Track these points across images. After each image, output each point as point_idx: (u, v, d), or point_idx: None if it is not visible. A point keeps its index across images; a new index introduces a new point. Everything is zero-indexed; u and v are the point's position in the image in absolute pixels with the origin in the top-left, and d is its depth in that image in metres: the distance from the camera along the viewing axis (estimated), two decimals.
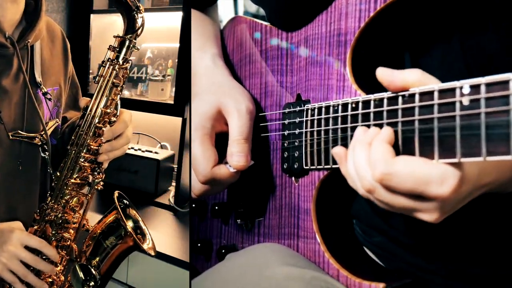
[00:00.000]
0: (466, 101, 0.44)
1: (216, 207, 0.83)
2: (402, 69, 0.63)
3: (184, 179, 1.69)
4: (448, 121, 0.46)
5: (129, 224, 0.90)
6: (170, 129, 1.96)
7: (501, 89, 0.41)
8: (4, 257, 0.80)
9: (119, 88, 0.84)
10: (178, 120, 1.73)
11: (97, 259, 0.89)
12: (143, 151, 1.81)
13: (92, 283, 0.88)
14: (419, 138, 0.50)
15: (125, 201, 0.93)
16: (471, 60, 0.61)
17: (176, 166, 1.76)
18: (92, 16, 1.96)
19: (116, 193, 0.91)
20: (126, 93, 1.93)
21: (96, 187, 0.87)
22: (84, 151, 0.85)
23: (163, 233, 1.52)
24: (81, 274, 0.86)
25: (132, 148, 1.84)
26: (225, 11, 1.80)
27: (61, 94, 1.00)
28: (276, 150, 0.75)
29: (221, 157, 0.74)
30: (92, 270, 0.88)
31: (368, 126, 0.56)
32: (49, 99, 0.93)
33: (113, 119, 0.85)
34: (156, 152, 1.81)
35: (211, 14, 0.93)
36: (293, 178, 0.72)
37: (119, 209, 0.88)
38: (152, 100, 1.84)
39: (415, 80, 0.51)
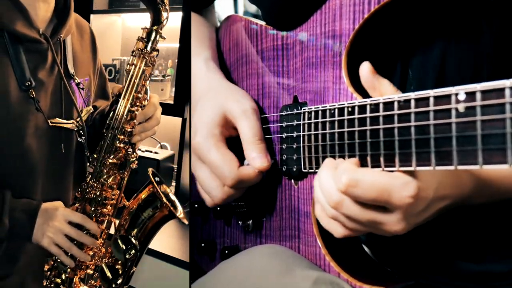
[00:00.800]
0: (461, 108, 0.44)
1: (218, 208, 0.83)
2: (393, 71, 0.64)
3: (184, 179, 1.69)
4: (444, 128, 0.46)
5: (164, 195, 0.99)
6: (170, 129, 1.96)
7: (497, 96, 0.41)
8: (50, 232, 0.87)
9: (147, 75, 0.92)
10: (178, 120, 1.73)
11: (136, 230, 0.96)
12: (143, 151, 1.81)
13: (133, 251, 0.95)
14: (416, 144, 0.50)
15: (157, 178, 1.00)
16: (464, 62, 0.62)
17: (176, 166, 1.76)
18: (92, 16, 1.96)
19: (150, 170, 0.99)
20: None
21: (131, 165, 0.96)
22: (120, 133, 0.92)
23: (163, 233, 1.51)
24: (122, 245, 0.94)
25: None
26: (225, 11, 1.80)
27: (91, 84, 1.08)
28: (274, 152, 0.75)
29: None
30: (132, 239, 0.95)
31: (365, 131, 0.56)
32: (82, 89, 1.01)
33: (144, 102, 0.93)
34: (156, 152, 1.81)
35: (207, 16, 0.93)
36: (292, 181, 0.72)
37: (155, 183, 0.95)
38: None
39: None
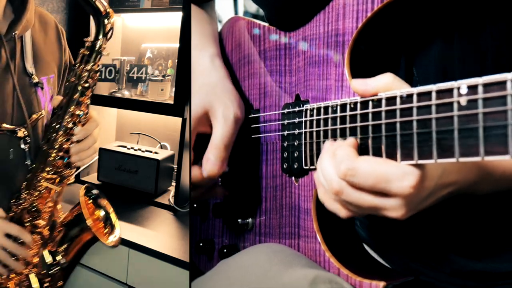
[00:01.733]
0: (463, 101, 0.45)
1: (217, 207, 0.84)
2: (398, 69, 0.64)
3: (184, 179, 1.69)
4: (446, 122, 0.47)
5: (100, 214, 1.00)
6: (170, 129, 1.97)
7: (499, 89, 0.42)
8: None
9: (89, 91, 0.88)
10: (178, 120, 1.73)
11: (64, 246, 0.98)
12: (143, 151, 1.81)
13: (57, 268, 0.96)
14: (417, 138, 0.50)
15: (94, 191, 1.00)
16: (468, 60, 0.62)
17: (176, 166, 1.76)
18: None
19: (83, 187, 0.99)
20: (126, 93, 1.94)
21: (65, 181, 0.94)
22: (55, 149, 0.89)
23: (163, 233, 1.53)
24: (48, 259, 0.95)
25: (132, 148, 1.84)
26: (225, 11, 1.81)
27: (55, 83, 1.03)
28: (276, 150, 0.75)
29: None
30: (58, 256, 0.96)
31: (367, 126, 0.56)
32: (42, 88, 0.96)
33: (83, 119, 0.90)
34: (156, 152, 1.81)
35: (208, 11, 0.93)
36: (293, 178, 0.72)
37: (82, 204, 0.95)
38: (152, 100, 1.84)
39: (387, 84, 0.54)
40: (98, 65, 0.89)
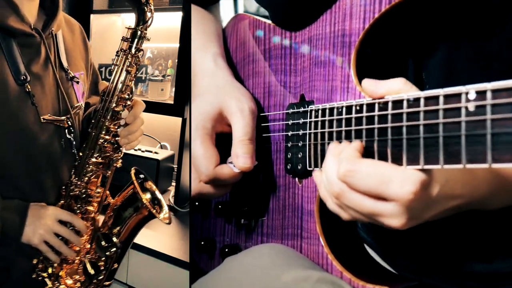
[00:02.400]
0: (471, 107, 0.44)
1: (219, 206, 0.83)
2: (405, 71, 0.64)
3: (184, 179, 1.69)
4: (454, 127, 0.46)
5: (147, 196, 1.01)
6: (170, 129, 1.96)
7: (508, 95, 0.41)
8: (42, 230, 0.89)
9: (132, 75, 0.93)
10: (178, 120, 1.73)
11: (118, 228, 0.99)
12: (143, 151, 1.81)
13: (113, 249, 0.98)
14: (424, 143, 0.49)
15: (141, 175, 1.02)
16: (476, 64, 0.61)
17: (176, 166, 1.76)
18: (92, 16, 1.96)
19: (133, 170, 1.00)
20: None
21: (114, 164, 0.97)
22: (103, 133, 0.93)
23: (163, 233, 1.52)
24: (103, 242, 0.97)
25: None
26: (225, 11, 1.80)
27: (85, 79, 1.08)
28: (279, 150, 0.75)
29: (222, 158, 0.74)
30: (114, 237, 0.98)
31: (373, 129, 0.56)
32: (77, 82, 1.01)
33: (129, 103, 0.93)
34: (156, 152, 1.81)
35: (213, 12, 0.93)
36: (296, 179, 0.72)
37: (136, 184, 0.97)
38: (152, 100, 1.84)
39: (397, 89, 0.54)
40: (141, 50, 0.92)
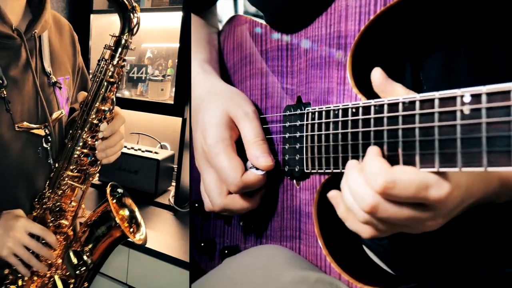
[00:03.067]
0: (466, 110, 0.44)
1: None
2: (403, 73, 0.64)
3: (184, 179, 1.69)
4: (449, 130, 0.46)
5: (125, 213, 0.98)
6: (170, 129, 1.97)
7: (502, 99, 0.41)
8: (10, 242, 0.85)
9: (115, 86, 0.87)
10: (178, 120, 1.73)
11: (90, 246, 0.95)
12: (143, 151, 1.81)
13: (83, 268, 0.94)
14: (419, 145, 0.50)
15: (119, 190, 0.98)
16: (475, 68, 0.61)
17: (176, 166, 1.76)
18: (92, 16, 1.96)
19: (109, 185, 0.96)
20: (126, 93, 1.94)
21: (90, 179, 0.93)
22: (80, 145, 0.89)
23: (163, 233, 1.53)
24: (74, 260, 0.94)
25: (132, 148, 1.84)
26: (225, 11, 1.80)
27: (70, 85, 1.03)
28: (277, 152, 0.75)
29: None
30: (84, 256, 0.94)
31: (369, 132, 0.56)
32: (60, 88, 0.96)
33: (108, 115, 0.88)
34: (156, 152, 1.81)
35: (207, 17, 0.92)
36: (294, 181, 0.72)
37: (109, 202, 0.93)
38: (152, 100, 1.84)
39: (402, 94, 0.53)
40: (124, 60, 0.87)
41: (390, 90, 0.55)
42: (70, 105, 1.03)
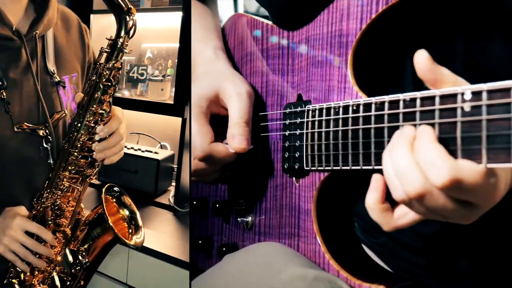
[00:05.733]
0: (467, 107, 0.44)
1: (217, 205, 0.84)
2: (403, 71, 0.64)
3: (184, 179, 1.69)
4: (449, 127, 0.47)
5: (125, 213, 0.98)
6: (170, 129, 1.97)
7: (503, 96, 0.42)
8: (6, 240, 0.87)
9: (111, 89, 0.87)
10: (178, 120, 1.73)
11: (86, 245, 0.96)
12: (143, 151, 1.81)
13: (78, 268, 0.95)
14: None
15: (115, 189, 0.98)
16: (475, 66, 0.61)
17: (176, 166, 1.76)
18: (92, 16, 1.96)
19: (105, 188, 0.96)
20: (126, 93, 1.94)
21: (88, 180, 0.93)
22: (77, 148, 0.89)
23: (163, 233, 1.53)
24: (70, 258, 0.95)
25: (132, 148, 1.84)
26: (225, 11, 1.81)
27: (78, 82, 1.02)
28: (277, 150, 0.75)
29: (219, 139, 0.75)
30: (79, 256, 0.95)
31: (369, 129, 0.56)
32: (63, 87, 0.95)
33: (106, 118, 0.88)
34: (156, 152, 1.81)
35: (211, 7, 0.93)
36: (293, 178, 0.72)
37: (103, 204, 0.93)
38: (152, 100, 1.84)
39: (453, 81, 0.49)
40: (121, 63, 0.86)
41: (440, 78, 0.49)
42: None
